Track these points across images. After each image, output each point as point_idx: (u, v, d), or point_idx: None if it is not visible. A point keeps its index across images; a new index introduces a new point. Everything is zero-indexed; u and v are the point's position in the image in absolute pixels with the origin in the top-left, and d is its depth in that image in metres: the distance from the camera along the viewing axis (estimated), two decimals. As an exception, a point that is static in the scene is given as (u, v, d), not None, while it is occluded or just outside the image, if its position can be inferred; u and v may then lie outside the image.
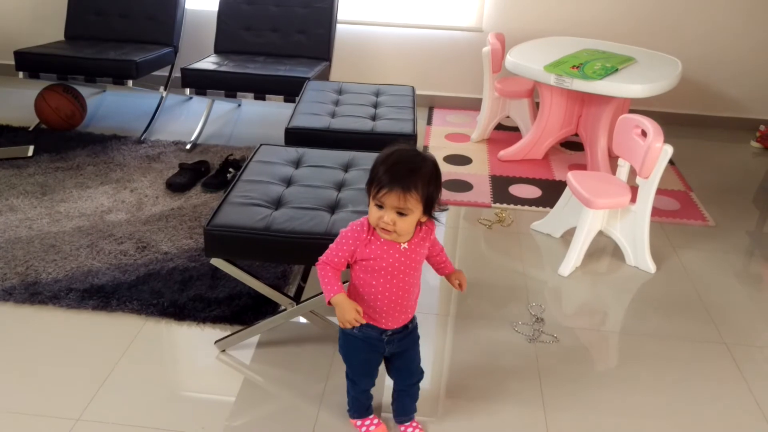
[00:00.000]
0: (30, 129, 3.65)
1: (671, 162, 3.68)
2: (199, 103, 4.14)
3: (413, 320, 1.72)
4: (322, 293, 1.63)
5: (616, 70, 3.18)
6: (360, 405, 1.81)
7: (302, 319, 2.26)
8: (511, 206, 3.12)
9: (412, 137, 2.63)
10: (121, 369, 2.04)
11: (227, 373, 2.06)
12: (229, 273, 2.02)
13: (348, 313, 1.55)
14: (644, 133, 2.54)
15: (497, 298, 2.45)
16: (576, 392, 2.03)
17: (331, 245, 1.60)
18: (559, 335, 2.27)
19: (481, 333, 2.26)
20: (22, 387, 1.94)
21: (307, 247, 1.90)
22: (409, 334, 1.71)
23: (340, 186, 2.20)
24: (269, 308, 2.27)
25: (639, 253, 2.65)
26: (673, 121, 4.17)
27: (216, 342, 2.14)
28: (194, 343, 2.17)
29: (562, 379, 2.07)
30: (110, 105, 4.13)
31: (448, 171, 3.43)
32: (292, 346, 2.18)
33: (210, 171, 3.23)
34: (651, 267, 2.65)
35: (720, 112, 4.21)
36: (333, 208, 2.06)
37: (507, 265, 2.67)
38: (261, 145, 2.47)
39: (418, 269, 1.64)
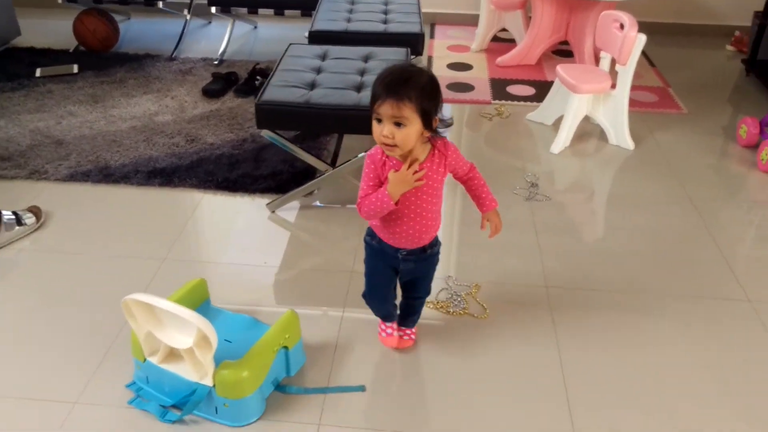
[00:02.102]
0: (70, 51, 4.02)
1: (652, 64, 4.07)
2: (218, 27, 4.48)
3: (433, 245, 1.73)
4: (354, 158, 2.01)
5: (601, -24, 3.53)
6: (378, 313, 1.91)
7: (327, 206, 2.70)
8: (509, 102, 3.53)
9: (420, 36, 3.02)
10: (190, 228, 2.48)
11: (277, 230, 2.50)
12: (276, 142, 2.44)
13: (404, 179, 1.53)
14: (622, 27, 2.93)
15: (498, 171, 2.88)
16: (565, 236, 2.48)
17: (360, 188, 1.62)
18: (551, 197, 2.71)
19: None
20: (116, 238, 2.39)
21: (341, 117, 2.32)
22: (427, 257, 1.73)
23: (362, 72, 2.60)
24: (307, 179, 2.70)
25: (619, 133, 3.08)
26: (656, 30, 4.51)
27: (267, 204, 2.58)
28: (248, 209, 2.61)
29: (554, 229, 2.52)
30: (137, 30, 4.48)
31: (451, 76, 3.82)
32: (329, 208, 2.62)
33: (240, 80, 3.61)
34: (630, 144, 3.08)
35: (698, 20, 4.56)
36: (359, 88, 2.47)
37: (506, 148, 3.10)
38: (290, 44, 2.86)
39: (435, 194, 1.62)
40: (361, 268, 1.85)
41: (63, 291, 2.14)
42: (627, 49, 2.88)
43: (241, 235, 2.47)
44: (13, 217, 2.38)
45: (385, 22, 3.22)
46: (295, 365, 1.85)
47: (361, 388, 1.81)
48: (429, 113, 1.48)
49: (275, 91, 2.40)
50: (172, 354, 1.74)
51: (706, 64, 4.16)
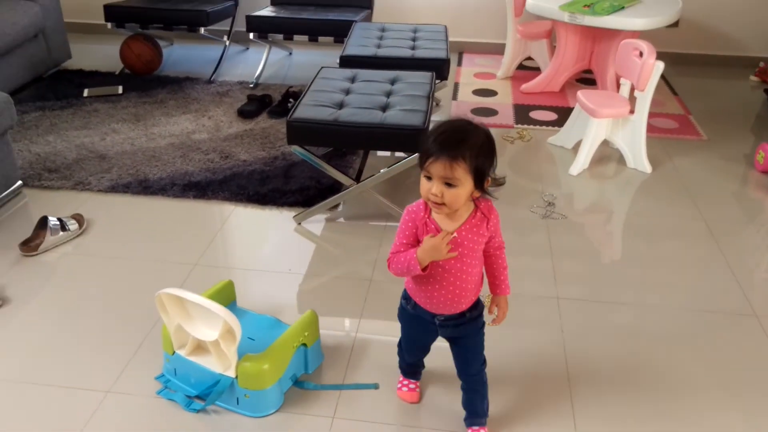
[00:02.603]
0: (116, 73, 4.26)
1: (674, 92, 4.14)
2: (255, 54, 4.70)
3: (474, 309, 1.61)
4: (377, 173, 2.13)
5: (623, 8, 3.65)
6: (405, 368, 1.85)
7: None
8: (531, 126, 3.63)
9: (445, 61, 3.17)
10: (221, 237, 2.63)
11: (303, 241, 2.63)
12: (305, 158, 2.59)
13: (437, 248, 1.43)
14: (641, 55, 3.03)
15: (517, 191, 2.98)
16: (578, 243, 2.57)
17: (397, 237, 1.53)
18: (567, 215, 2.80)
19: (504, 212, 2.79)
20: (152, 245, 2.55)
21: (366, 134, 2.47)
22: (466, 321, 1.61)
23: (388, 94, 2.75)
24: (333, 195, 2.83)
25: (637, 156, 3.16)
26: (681, 61, 4.61)
27: (294, 216, 2.72)
28: (276, 221, 2.75)
29: (568, 243, 2.61)
30: (179, 55, 4.72)
31: (475, 101, 3.95)
32: (352, 221, 2.75)
33: (273, 102, 3.79)
34: (647, 168, 3.15)
35: (723, 51, 4.63)
36: (384, 108, 2.61)
37: (526, 169, 3.20)
38: (322, 67, 3.03)
39: (474, 257, 1.52)
40: (379, 277, 1.96)
41: (101, 291, 2.30)
42: (645, 75, 2.98)
43: (269, 244, 2.61)
44: (58, 223, 2.55)
45: (413, 48, 3.38)
46: (314, 363, 1.96)
47: (375, 386, 1.91)
48: (483, 173, 1.39)
49: (306, 110, 2.55)
50: (199, 347, 1.86)
51: (729, 94, 4.22)
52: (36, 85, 4.06)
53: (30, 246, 2.49)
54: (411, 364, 1.83)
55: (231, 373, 1.78)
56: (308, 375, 1.94)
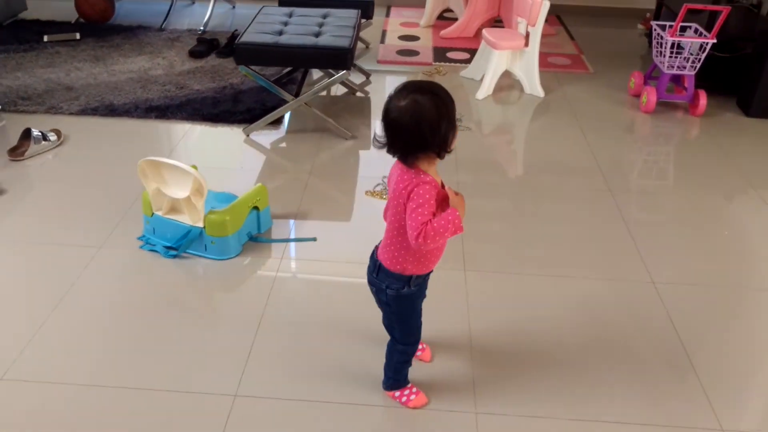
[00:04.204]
0: (72, 22, 4.62)
1: (572, 37, 4.79)
2: (201, 7, 5.11)
3: None
4: (317, 89, 2.65)
5: (523, -40, 4.24)
6: (407, 369, 1.78)
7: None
8: (447, 64, 4.21)
9: (370, 2, 3.74)
10: (181, 147, 3.11)
11: (252, 150, 3.14)
12: (251, 74, 3.09)
13: (461, 201, 1.50)
14: (533, -4, 3.63)
15: (431, 110, 3.55)
16: (482, 155, 3.17)
17: (419, 215, 1.44)
18: (471, 128, 3.39)
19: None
20: (123, 153, 3.02)
21: (302, 54, 2.99)
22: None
23: (320, 25, 3.27)
24: (276, 113, 3.34)
25: (532, 83, 3.78)
26: (579, 12, 5.27)
27: (243, 129, 3.23)
28: (227, 135, 3.25)
29: (474, 148, 3.20)
30: (130, 8, 5.10)
31: (400, 45, 4.50)
32: (294, 134, 3.27)
33: (220, 45, 4.25)
34: (541, 92, 3.78)
35: (615, 4, 5.31)
36: (317, 35, 3.13)
37: (440, 95, 3.77)
38: (263, 6, 3.52)
39: None
40: (313, 180, 2.47)
41: (84, 180, 2.77)
42: (535, 12, 3.58)
43: (223, 152, 3.11)
44: (40, 134, 2.99)
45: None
46: (264, 225, 2.49)
47: (314, 239, 2.46)
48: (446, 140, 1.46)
49: (251, 36, 3.05)
50: (173, 209, 2.37)
51: (619, 39, 4.89)
52: (-4, 32, 4.40)
53: (17, 152, 2.92)
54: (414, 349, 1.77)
55: (200, 224, 2.30)
56: (260, 234, 2.48)
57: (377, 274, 1.61)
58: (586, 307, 2.17)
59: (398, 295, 1.60)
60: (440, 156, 1.46)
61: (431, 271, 1.62)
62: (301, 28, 3.19)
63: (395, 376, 1.77)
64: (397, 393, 1.79)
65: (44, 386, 1.79)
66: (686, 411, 1.79)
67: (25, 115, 3.32)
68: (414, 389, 1.79)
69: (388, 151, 1.47)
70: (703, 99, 3.54)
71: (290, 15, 3.41)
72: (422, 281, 1.62)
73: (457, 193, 1.51)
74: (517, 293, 2.22)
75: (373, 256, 1.64)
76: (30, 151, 2.94)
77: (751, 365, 1.97)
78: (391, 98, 1.45)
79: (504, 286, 2.25)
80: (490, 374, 1.89)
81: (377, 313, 1.70)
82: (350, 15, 3.40)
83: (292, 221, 2.56)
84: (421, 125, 1.41)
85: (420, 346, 1.89)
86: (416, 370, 1.83)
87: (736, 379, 1.91)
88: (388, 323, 1.70)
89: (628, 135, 3.43)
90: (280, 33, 3.13)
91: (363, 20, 3.69)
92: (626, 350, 1.99)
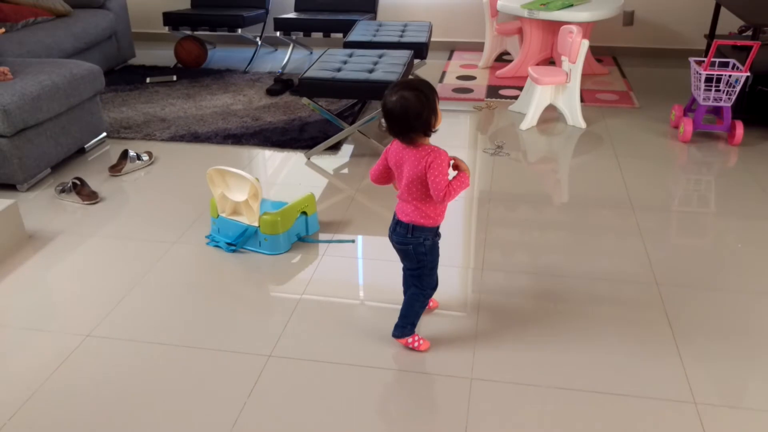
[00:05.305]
0: (171, 67, 5.32)
1: (624, 76, 5.02)
2: (282, 54, 5.72)
3: None
4: (368, 119, 3.09)
5: (572, 5, 4.57)
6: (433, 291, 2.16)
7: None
8: (497, 99, 4.55)
9: (424, 45, 4.14)
10: (252, 168, 3.59)
11: (311, 171, 3.58)
12: (311, 105, 3.55)
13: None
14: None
15: (476, 141, 3.88)
16: (514, 177, 3.46)
17: (441, 180, 1.86)
18: (510, 154, 3.69)
19: (464, 155, 3.72)
20: (204, 171, 3.52)
21: (355, 87, 3.42)
22: None
23: (375, 63, 3.70)
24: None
25: (574, 115, 4.04)
26: (635, 54, 5.48)
27: (305, 153, 3.67)
28: (291, 158, 3.71)
29: (508, 169, 3.50)
30: (221, 56, 5.78)
31: (457, 83, 4.89)
32: (348, 159, 3.69)
33: (295, 84, 4.78)
34: (582, 124, 4.03)
35: (669, 45, 5.50)
36: (370, 71, 3.56)
37: (488, 128, 4.11)
38: (328, 48, 4.00)
39: None
40: (360, 197, 2.85)
41: (168, 192, 3.27)
42: (575, 51, 3.88)
43: (286, 171, 3.56)
44: (135, 155, 3.54)
45: (401, 36, 4.34)
46: (312, 228, 2.89)
47: (352, 241, 2.83)
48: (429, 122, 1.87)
49: (314, 72, 3.52)
50: (234, 212, 2.81)
51: (670, 78, 5.07)
52: (109, 76, 5.11)
53: (116, 169, 3.48)
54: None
55: (255, 224, 2.71)
56: (308, 236, 2.87)
57: (412, 234, 2.00)
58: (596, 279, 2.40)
59: (433, 243, 2.04)
60: (426, 134, 1.88)
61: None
62: (358, 65, 3.63)
63: (413, 322, 2.15)
64: (410, 339, 2.15)
65: (121, 342, 2.22)
66: (662, 382, 1.99)
67: (125, 141, 3.91)
68: (417, 336, 2.16)
69: (390, 134, 1.92)
70: (739, 129, 3.69)
71: (350, 55, 3.87)
72: (437, 230, 2.04)
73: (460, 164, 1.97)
74: (531, 262, 2.49)
75: (401, 224, 2.01)
76: (126, 168, 3.50)
77: (732, 341, 2.13)
78: (386, 94, 1.87)
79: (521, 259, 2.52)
80: (491, 340, 2.16)
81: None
82: (403, 55, 3.82)
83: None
84: (408, 113, 1.83)
85: (418, 338, 2.18)
86: (423, 329, 2.14)
87: (714, 352, 2.08)
88: (419, 274, 2.08)
89: (662, 162, 3.61)
90: (339, 70, 3.59)
91: (417, 60, 4.11)
92: (616, 324, 2.21)
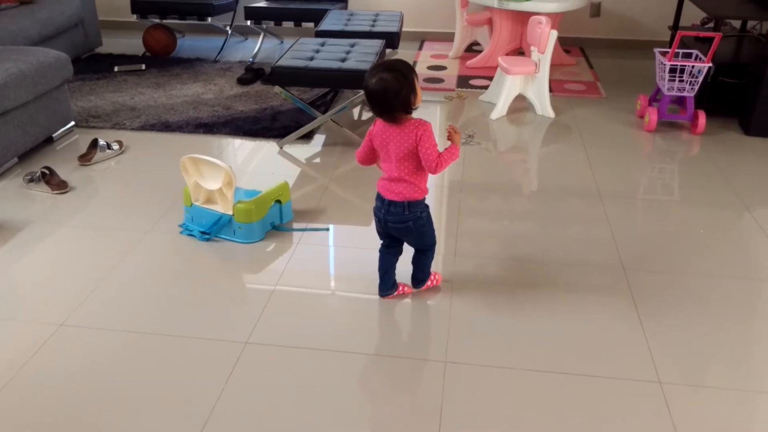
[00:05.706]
0: (140, 56, 5.25)
1: (591, 66, 5.11)
2: (252, 43, 5.69)
3: None
4: (341, 108, 3.11)
5: (541, -4, 4.63)
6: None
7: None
8: (468, 89, 4.60)
9: (395, 34, 4.16)
10: (224, 156, 3.58)
11: (284, 160, 3.58)
12: (284, 94, 3.55)
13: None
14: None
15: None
16: (485, 166, 3.51)
17: (432, 152, 2.02)
18: (481, 143, 3.75)
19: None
20: (175, 159, 3.50)
21: (328, 76, 3.43)
22: None
23: (347, 52, 3.72)
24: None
25: (543, 105, 4.11)
26: (602, 45, 5.58)
27: (277, 142, 3.68)
28: (263, 147, 3.70)
29: (478, 158, 3.55)
30: (190, 45, 5.72)
31: (428, 73, 4.92)
32: (321, 148, 3.70)
33: (266, 73, 4.76)
34: (551, 114, 4.10)
35: (636, 36, 5.61)
36: (343, 60, 3.58)
37: (458, 118, 4.16)
38: (300, 37, 4.00)
39: None
40: (333, 186, 2.87)
41: (139, 181, 3.25)
42: (544, 41, 3.94)
43: (258, 160, 3.56)
44: (105, 144, 3.51)
45: (372, 26, 4.35)
46: (286, 217, 2.90)
47: (327, 229, 2.85)
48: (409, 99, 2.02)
49: (286, 61, 3.52)
50: (208, 200, 2.81)
51: (637, 69, 5.18)
52: (76, 64, 4.98)
53: (85, 158, 3.44)
54: None
55: (229, 212, 2.72)
56: (281, 224, 2.88)
57: (409, 211, 2.14)
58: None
59: (428, 213, 2.21)
60: (408, 112, 2.01)
61: None
62: (330, 54, 3.64)
63: (428, 271, 2.38)
64: (428, 282, 2.40)
65: (95, 331, 2.22)
66: (628, 364, 2.07)
67: (94, 130, 3.86)
68: (432, 275, 2.41)
69: (373, 113, 2.05)
70: (702, 119, 3.80)
71: (323, 44, 3.88)
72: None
73: (455, 132, 2.15)
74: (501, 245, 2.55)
75: (395, 203, 2.13)
76: (96, 157, 3.46)
77: (694, 323, 2.22)
78: (366, 77, 2.00)
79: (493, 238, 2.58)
80: (464, 324, 2.21)
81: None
82: (375, 44, 3.84)
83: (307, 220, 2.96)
84: (387, 93, 1.96)
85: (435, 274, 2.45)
86: (398, 314, 2.18)
87: (678, 334, 2.17)
88: (422, 240, 2.26)
89: (628, 151, 3.70)
90: (312, 59, 3.59)
91: (388, 50, 4.13)
92: (583, 307, 2.28)
